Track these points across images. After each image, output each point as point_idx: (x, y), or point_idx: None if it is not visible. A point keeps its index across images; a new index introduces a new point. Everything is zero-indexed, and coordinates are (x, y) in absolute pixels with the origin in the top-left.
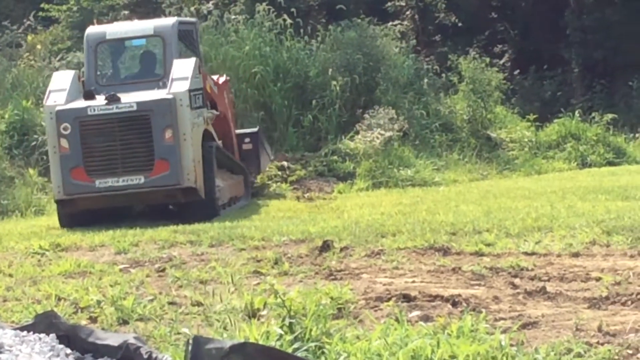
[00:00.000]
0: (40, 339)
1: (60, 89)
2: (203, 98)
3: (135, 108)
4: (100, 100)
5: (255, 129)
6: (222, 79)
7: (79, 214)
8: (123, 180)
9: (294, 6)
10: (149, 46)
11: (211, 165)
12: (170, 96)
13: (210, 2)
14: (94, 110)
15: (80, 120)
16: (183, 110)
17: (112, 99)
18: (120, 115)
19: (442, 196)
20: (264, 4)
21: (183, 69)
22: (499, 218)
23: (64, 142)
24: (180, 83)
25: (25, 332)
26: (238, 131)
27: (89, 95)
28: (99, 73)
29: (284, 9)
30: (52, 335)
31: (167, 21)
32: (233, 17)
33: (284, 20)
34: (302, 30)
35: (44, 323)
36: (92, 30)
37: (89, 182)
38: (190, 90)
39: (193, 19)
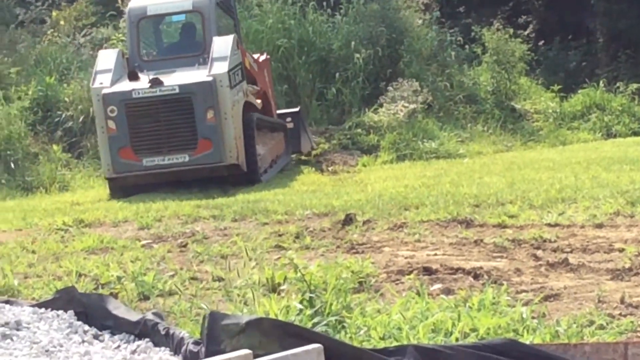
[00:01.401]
0: (58, 315)
1: (105, 69)
2: (242, 72)
3: (177, 91)
4: (144, 82)
5: (296, 109)
6: (262, 57)
7: (129, 188)
8: (168, 158)
9: None
10: (188, 20)
11: (252, 137)
12: (210, 78)
13: None
14: (139, 93)
15: (126, 103)
16: (223, 91)
17: (155, 82)
18: (164, 98)
19: (465, 168)
20: None
21: (222, 47)
22: (523, 190)
23: (111, 124)
24: (220, 64)
25: (43, 309)
26: (280, 111)
27: (133, 76)
28: (142, 48)
29: None
30: (70, 312)
31: None
32: None
33: None
34: (325, 3)
35: (63, 299)
36: (134, 5)
37: (136, 161)
38: (229, 70)
39: None
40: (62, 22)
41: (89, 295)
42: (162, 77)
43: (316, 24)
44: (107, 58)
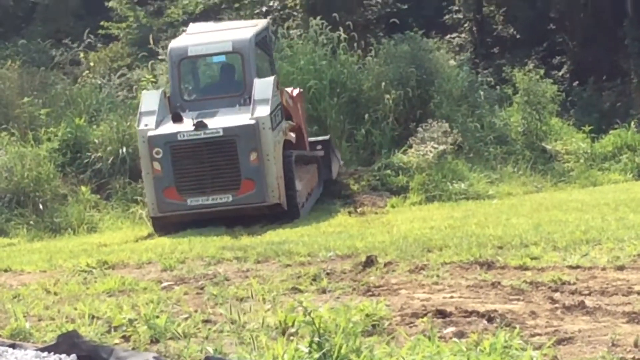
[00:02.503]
0: (60, 359)
1: (149, 111)
2: (282, 112)
3: (221, 134)
4: (188, 124)
5: (327, 137)
6: (295, 92)
7: (171, 227)
8: (212, 199)
9: (351, 20)
10: (229, 60)
11: (291, 174)
12: (253, 121)
13: (268, 17)
14: (184, 136)
15: (171, 145)
16: (266, 133)
17: (200, 125)
18: (208, 140)
19: (494, 209)
20: (318, 18)
21: (263, 89)
22: (548, 231)
23: (157, 165)
24: (262, 107)
25: (46, 353)
26: (310, 139)
27: (177, 118)
28: (183, 88)
29: (340, 23)
30: (73, 356)
31: (244, 35)
32: (289, 31)
33: (339, 35)
34: (355, 44)
35: (66, 343)
36: (175, 45)
37: (181, 201)
38: (271, 113)
39: (265, 22)
40: (92, 64)
41: (88, 342)
42: (206, 120)
43: (347, 65)
44: (150, 99)
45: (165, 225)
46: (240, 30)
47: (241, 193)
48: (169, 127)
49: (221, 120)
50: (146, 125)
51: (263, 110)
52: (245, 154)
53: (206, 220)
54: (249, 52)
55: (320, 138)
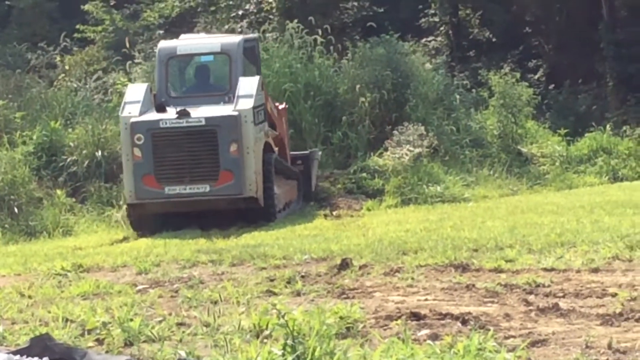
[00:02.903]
0: None
1: (134, 100)
2: (265, 113)
3: (203, 123)
4: (171, 113)
5: (307, 152)
6: (281, 106)
7: (147, 217)
8: (190, 188)
9: (327, 23)
10: (216, 62)
11: (270, 175)
12: (236, 113)
13: (244, 21)
14: (166, 123)
15: (153, 132)
16: (247, 126)
17: (183, 114)
18: (190, 129)
19: (469, 212)
20: (295, 21)
21: (248, 86)
22: (523, 234)
23: (137, 151)
24: (246, 100)
25: (18, 356)
26: (292, 153)
27: (160, 108)
28: (169, 85)
29: (317, 26)
30: (46, 359)
31: (233, 39)
32: (265, 34)
33: (315, 38)
34: (331, 47)
35: (39, 346)
36: (164, 45)
37: (158, 189)
38: (254, 108)
39: (255, 35)
40: (67, 67)
41: (61, 345)
42: (189, 110)
43: (322, 68)
44: (136, 91)
45: (140, 216)
46: (230, 36)
47: (219, 184)
48: (152, 115)
49: (204, 111)
50: (129, 112)
51: (246, 103)
52: (226, 145)
53: (181, 213)
54: (237, 53)
55: (300, 153)
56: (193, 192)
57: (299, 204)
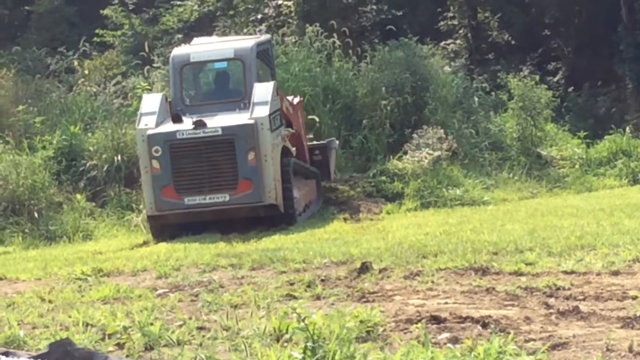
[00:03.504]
0: None
1: (150, 112)
2: (281, 118)
3: (220, 132)
4: (187, 124)
5: (324, 142)
6: (296, 100)
7: (168, 227)
8: (210, 198)
9: (346, 26)
10: (230, 68)
11: (289, 180)
12: (252, 121)
13: (263, 24)
14: (183, 134)
15: (170, 144)
16: (264, 134)
17: (199, 124)
18: (207, 139)
19: (489, 215)
20: (314, 25)
21: (263, 93)
22: (543, 237)
23: (155, 163)
24: (261, 108)
25: None
26: (309, 144)
27: (177, 119)
28: (184, 93)
29: (336, 30)
30: None
31: (246, 44)
32: (284, 37)
33: (334, 41)
34: (350, 51)
35: (59, 351)
36: (177, 52)
37: (178, 200)
38: (270, 115)
39: (267, 37)
40: (86, 72)
41: (81, 350)
42: (205, 119)
43: (341, 72)
44: (151, 101)
45: (161, 226)
46: (243, 40)
47: (238, 193)
48: (169, 127)
49: (220, 120)
50: (146, 124)
51: (262, 111)
52: (243, 154)
53: (202, 222)
54: (251, 59)
55: (317, 143)
56: (213, 202)
57: (319, 204)
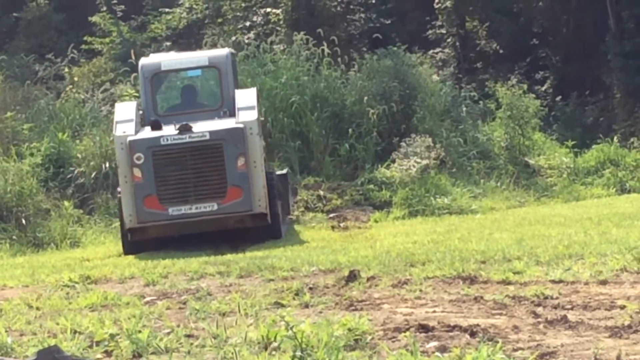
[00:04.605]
0: None
1: (127, 119)
2: (261, 125)
3: (208, 137)
4: (171, 129)
5: (284, 171)
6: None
7: (145, 242)
8: (196, 207)
9: (334, 35)
10: (204, 76)
11: (274, 190)
12: (241, 125)
13: (252, 32)
14: (167, 139)
15: (154, 150)
16: (253, 139)
17: (184, 129)
18: (193, 144)
19: (477, 224)
20: (302, 33)
21: (247, 98)
22: (531, 246)
23: (137, 172)
24: (248, 112)
25: None
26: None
27: (156, 125)
28: (157, 103)
29: (324, 38)
30: None
31: (221, 52)
32: (272, 45)
33: (322, 50)
34: (339, 59)
35: (47, 358)
36: (147, 61)
37: (161, 210)
38: (258, 118)
39: (231, 50)
40: (75, 79)
41: (69, 357)
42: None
43: (330, 80)
44: (126, 109)
45: (140, 241)
46: (214, 50)
47: (227, 201)
48: (150, 133)
49: (206, 125)
50: (124, 132)
51: (250, 115)
52: (233, 160)
53: (185, 236)
54: (227, 65)
55: (278, 172)
56: (199, 211)
57: (287, 221)
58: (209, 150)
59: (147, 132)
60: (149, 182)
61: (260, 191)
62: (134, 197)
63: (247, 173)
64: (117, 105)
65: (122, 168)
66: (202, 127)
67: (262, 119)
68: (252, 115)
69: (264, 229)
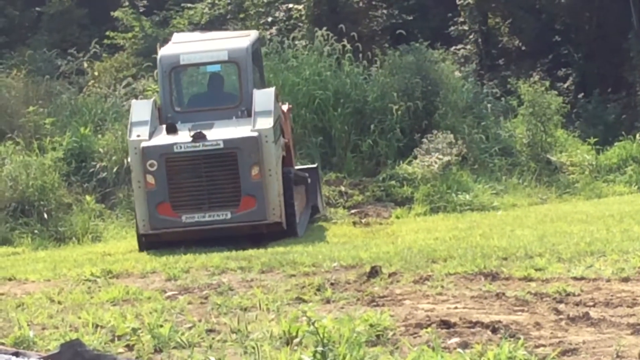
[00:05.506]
0: None
1: (141, 121)
2: (280, 126)
3: (222, 146)
4: (185, 136)
5: (314, 165)
6: (285, 107)
7: (162, 245)
8: (209, 215)
9: (356, 31)
10: (224, 71)
11: (291, 192)
12: (256, 134)
13: (274, 28)
14: (180, 147)
15: (167, 157)
16: (269, 147)
17: (198, 136)
18: (207, 153)
19: (498, 221)
20: (324, 29)
21: (265, 101)
22: (553, 242)
23: (150, 178)
24: (265, 119)
25: None
26: (298, 167)
27: (171, 129)
28: (174, 98)
29: (346, 34)
30: None
31: (240, 44)
32: (294, 41)
33: (344, 45)
34: (361, 55)
35: (69, 352)
36: (165, 53)
37: (175, 218)
38: (274, 125)
39: (256, 33)
40: (95, 73)
41: (91, 351)
42: (203, 131)
43: (352, 76)
44: (141, 109)
45: (154, 245)
46: (234, 39)
47: (241, 210)
48: (164, 138)
49: (220, 132)
50: (138, 136)
51: (265, 122)
52: (247, 169)
53: (199, 240)
54: (246, 61)
55: (307, 166)
56: (213, 219)
57: (308, 213)
58: (223, 159)
59: (161, 137)
60: (162, 189)
61: (275, 200)
62: (147, 204)
63: (262, 182)
64: (133, 103)
65: (136, 173)
66: (217, 135)
67: (283, 117)
68: (268, 123)
69: (279, 233)
